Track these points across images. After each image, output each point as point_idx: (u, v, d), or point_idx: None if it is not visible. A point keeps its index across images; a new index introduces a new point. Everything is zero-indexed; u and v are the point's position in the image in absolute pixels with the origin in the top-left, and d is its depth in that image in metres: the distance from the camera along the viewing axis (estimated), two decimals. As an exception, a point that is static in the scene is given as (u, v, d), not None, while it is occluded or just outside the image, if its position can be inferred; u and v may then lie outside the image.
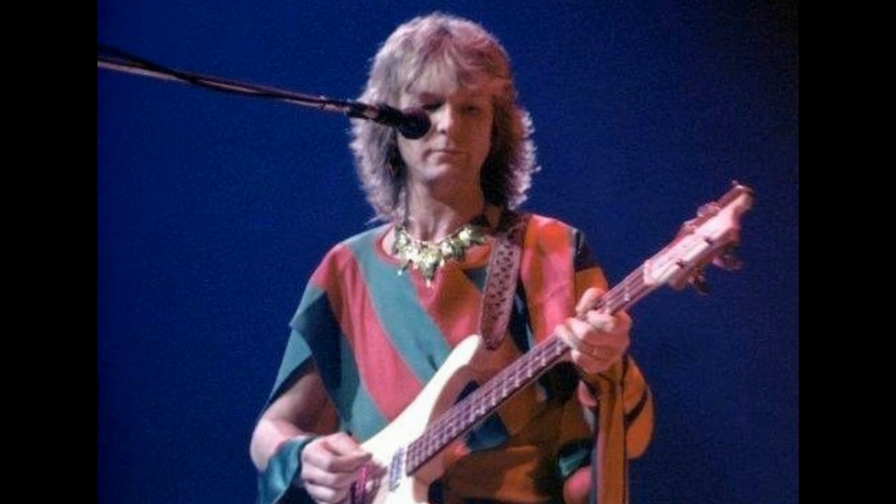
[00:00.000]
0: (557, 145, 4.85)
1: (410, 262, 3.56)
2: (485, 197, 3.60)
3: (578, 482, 3.37)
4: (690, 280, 2.99)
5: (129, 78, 3.02)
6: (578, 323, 3.15)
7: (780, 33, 5.01)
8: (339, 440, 3.45)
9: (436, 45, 3.47)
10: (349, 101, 3.36)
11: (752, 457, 5.00)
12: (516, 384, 3.25)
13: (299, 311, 3.63)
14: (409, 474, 3.36)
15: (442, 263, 3.53)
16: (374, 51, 3.58)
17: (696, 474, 5.05)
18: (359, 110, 3.36)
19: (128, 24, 5.06)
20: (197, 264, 5.20)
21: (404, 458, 3.38)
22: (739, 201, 2.95)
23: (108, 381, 4.95)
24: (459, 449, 3.39)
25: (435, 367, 3.43)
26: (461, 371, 3.39)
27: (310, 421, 3.64)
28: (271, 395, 3.66)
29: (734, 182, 2.98)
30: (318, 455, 3.41)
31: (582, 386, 3.29)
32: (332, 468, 3.39)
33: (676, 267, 2.99)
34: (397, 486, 3.37)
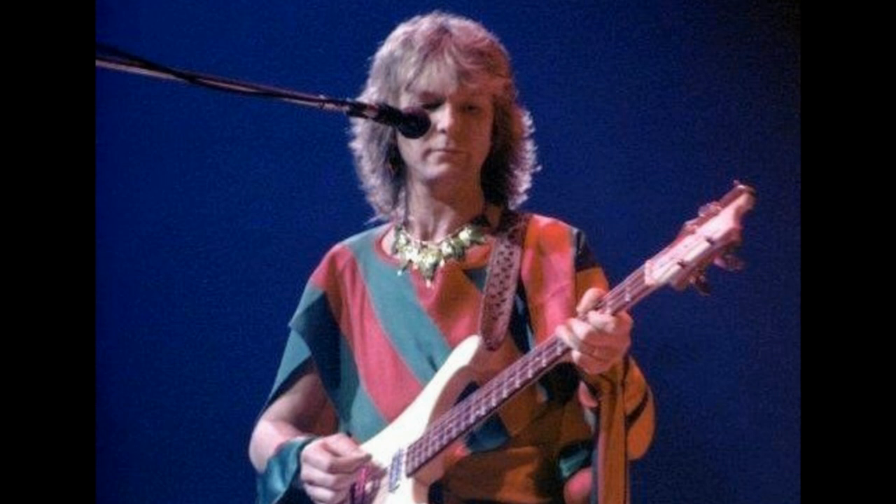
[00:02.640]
0: (558, 145, 4.83)
1: (410, 262, 3.55)
2: (485, 197, 3.58)
3: (579, 483, 3.36)
4: (692, 280, 2.98)
5: (127, 77, 3.01)
6: (579, 323, 3.13)
7: (783, 32, 5.00)
8: (338, 441, 3.44)
9: (436, 44, 3.46)
10: (349, 100, 3.35)
11: (753, 458, 5.00)
12: (517, 385, 3.24)
13: (298, 311, 3.62)
14: (408, 475, 3.35)
15: (442, 263, 3.52)
16: (373, 50, 3.57)
17: (697, 475, 5.04)
18: (358, 109, 3.35)
19: (126, 23, 5.06)
20: (196, 264, 5.19)
21: (404, 459, 3.37)
22: (741, 201, 2.94)
23: (106, 381, 4.94)
24: (459, 450, 3.38)
25: (435, 368, 3.42)
26: (461, 372, 3.37)
27: (309, 422, 3.63)
28: (270, 395, 3.65)
29: (736, 181, 2.97)
30: (317, 456, 3.40)
31: (583, 387, 3.28)
32: (332, 469, 3.38)
33: (678, 267, 2.97)
34: (397, 487, 3.36)
